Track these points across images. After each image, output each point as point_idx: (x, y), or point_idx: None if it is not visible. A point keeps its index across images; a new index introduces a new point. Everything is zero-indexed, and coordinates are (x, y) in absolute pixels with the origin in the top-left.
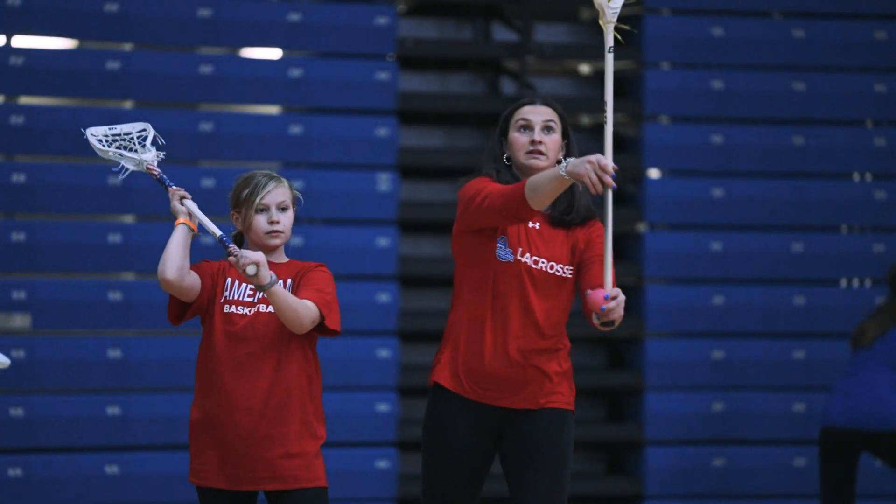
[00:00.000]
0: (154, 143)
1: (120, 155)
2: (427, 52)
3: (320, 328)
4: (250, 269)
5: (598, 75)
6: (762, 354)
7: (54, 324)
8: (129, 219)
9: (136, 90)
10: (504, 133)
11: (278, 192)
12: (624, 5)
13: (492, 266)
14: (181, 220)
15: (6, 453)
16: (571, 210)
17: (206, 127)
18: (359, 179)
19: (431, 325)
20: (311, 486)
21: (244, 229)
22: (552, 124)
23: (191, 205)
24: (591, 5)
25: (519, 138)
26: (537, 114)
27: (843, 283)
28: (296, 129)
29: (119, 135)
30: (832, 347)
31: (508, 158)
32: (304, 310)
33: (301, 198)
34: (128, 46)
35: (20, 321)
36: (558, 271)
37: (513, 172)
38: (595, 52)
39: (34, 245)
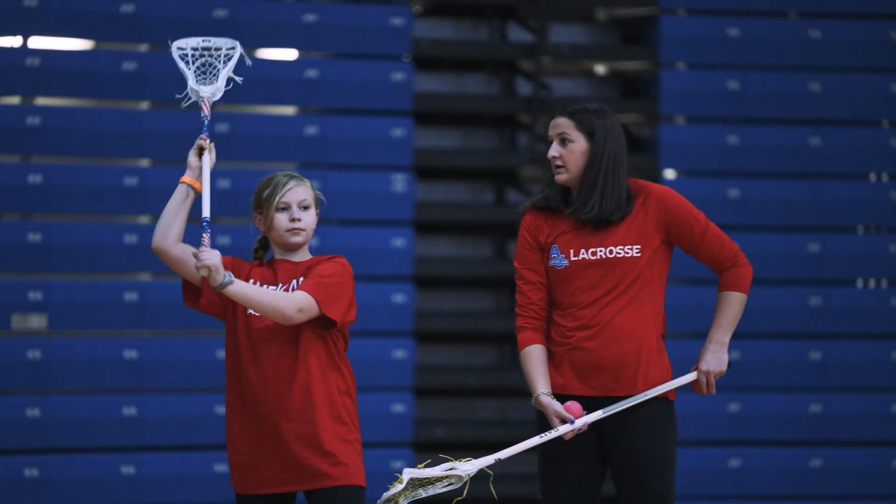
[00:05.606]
0: (241, 61)
1: (191, 75)
2: (442, 53)
3: (323, 322)
4: (202, 272)
5: (614, 75)
6: (778, 355)
7: (71, 324)
8: (145, 219)
9: (151, 91)
10: None
11: (299, 191)
12: (638, 5)
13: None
14: (185, 177)
15: (23, 453)
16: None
17: (221, 128)
18: (374, 180)
19: (447, 325)
20: (346, 483)
21: (266, 230)
22: (566, 135)
23: (205, 162)
24: (607, 5)
25: (548, 153)
26: (553, 127)
27: (860, 283)
28: (311, 130)
29: (209, 49)
30: (848, 348)
31: None
32: (284, 301)
33: (324, 199)
34: (143, 47)
35: (37, 322)
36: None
37: (558, 187)
38: (610, 53)
39: (51, 246)
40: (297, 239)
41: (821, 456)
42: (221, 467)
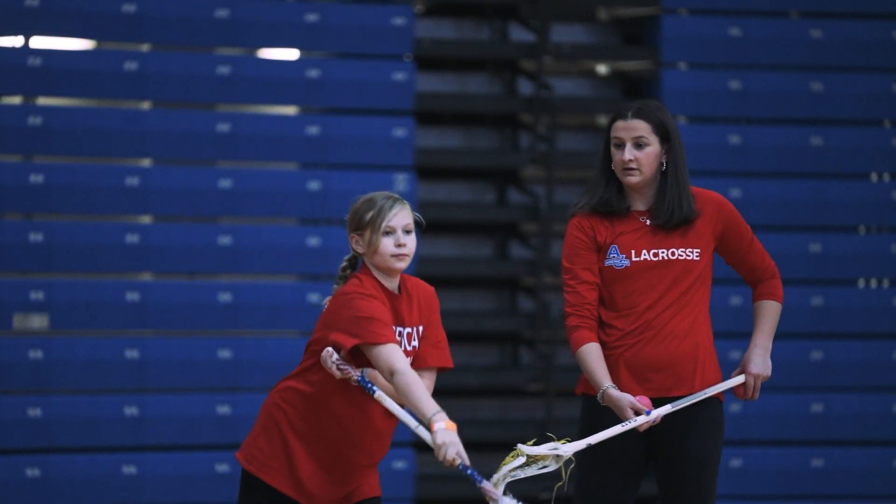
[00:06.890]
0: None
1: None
2: (444, 53)
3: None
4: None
5: (615, 75)
6: (779, 355)
7: (72, 324)
8: (146, 219)
9: (153, 91)
10: (608, 145)
11: (404, 215)
12: (640, 5)
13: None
14: (443, 423)
15: (24, 453)
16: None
17: (223, 128)
18: (376, 180)
19: (448, 325)
20: (377, 495)
21: (367, 252)
22: (643, 140)
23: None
24: (608, 5)
25: (615, 154)
26: (627, 130)
27: (861, 283)
28: (313, 130)
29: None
30: (849, 348)
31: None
32: (426, 396)
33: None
34: (145, 47)
35: (38, 321)
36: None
37: (617, 187)
38: (612, 53)
39: (52, 245)
40: (401, 265)
41: (822, 456)
42: (223, 467)
